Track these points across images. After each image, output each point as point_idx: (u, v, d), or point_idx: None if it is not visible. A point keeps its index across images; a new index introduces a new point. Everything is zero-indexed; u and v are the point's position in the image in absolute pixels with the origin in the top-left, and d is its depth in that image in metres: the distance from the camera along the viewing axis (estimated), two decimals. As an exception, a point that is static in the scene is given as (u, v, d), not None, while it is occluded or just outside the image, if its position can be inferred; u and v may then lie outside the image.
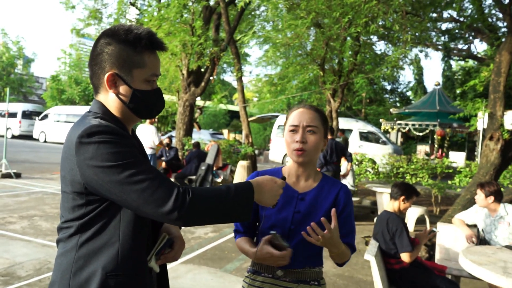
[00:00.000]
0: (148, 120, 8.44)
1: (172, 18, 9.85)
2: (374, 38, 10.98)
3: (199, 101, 16.60)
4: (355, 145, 15.57)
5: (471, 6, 8.45)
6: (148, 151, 8.19)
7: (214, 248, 5.12)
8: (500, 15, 7.85)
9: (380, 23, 8.36)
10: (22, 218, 5.90)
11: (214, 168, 9.32)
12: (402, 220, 3.25)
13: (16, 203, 6.83)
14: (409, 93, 29.71)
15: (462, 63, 24.86)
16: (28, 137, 24.59)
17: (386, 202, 6.76)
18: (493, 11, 8.38)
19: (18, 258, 4.19)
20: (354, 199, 7.51)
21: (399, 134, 21.98)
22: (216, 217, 1.15)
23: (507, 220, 3.65)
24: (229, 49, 10.81)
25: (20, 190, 8.07)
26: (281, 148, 16.31)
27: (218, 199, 1.14)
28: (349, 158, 7.44)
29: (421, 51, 11.16)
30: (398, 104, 27.41)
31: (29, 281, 3.65)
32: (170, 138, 10.06)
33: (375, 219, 3.64)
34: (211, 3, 11.12)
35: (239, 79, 10.47)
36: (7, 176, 9.39)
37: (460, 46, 12.44)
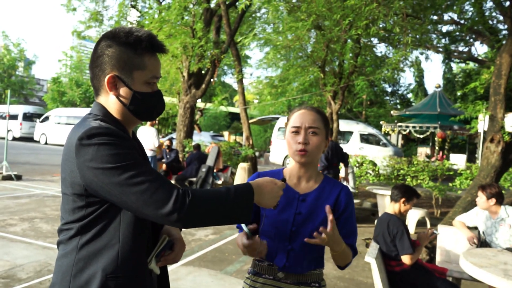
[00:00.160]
0: (148, 122, 8.45)
1: (173, 20, 9.87)
2: (375, 41, 10.99)
3: (199, 103, 16.60)
4: (356, 147, 15.57)
5: (471, 9, 8.46)
6: (149, 153, 8.20)
7: (215, 250, 5.11)
8: (501, 18, 7.86)
9: (380, 26, 8.35)
10: (23, 220, 5.90)
11: (215, 170, 9.32)
12: (403, 222, 3.24)
13: (17, 205, 6.83)
14: (409, 95, 29.74)
15: (462, 65, 24.87)
16: (29, 139, 24.61)
17: (386, 204, 6.76)
18: (494, 14, 8.38)
19: (18, 260, 4.19)
20: (354, 201, 7.47)
21: (400, 136, 21.96)
22: (216, 219, 1.15)
23: (508, 222, 3.65)
24: (230, 51, 10.84)
25: (21, 192, 8.08)
26: (281, 150, 16.29)
27: (218, 200, 1.14)
28: (346, 162, 7.46)
29: (421, 54, 11.14)
30: (398, 106, 27.46)
31: (30, 283, 3.64)
32: (171, 140, 10.07)
33: (375, 221, 3.63)
34: (212, 5, 11.14)
35: (240, 81, 10.49)
36: (8, 178, 9.40)
37: (460, 49, 12.44)
